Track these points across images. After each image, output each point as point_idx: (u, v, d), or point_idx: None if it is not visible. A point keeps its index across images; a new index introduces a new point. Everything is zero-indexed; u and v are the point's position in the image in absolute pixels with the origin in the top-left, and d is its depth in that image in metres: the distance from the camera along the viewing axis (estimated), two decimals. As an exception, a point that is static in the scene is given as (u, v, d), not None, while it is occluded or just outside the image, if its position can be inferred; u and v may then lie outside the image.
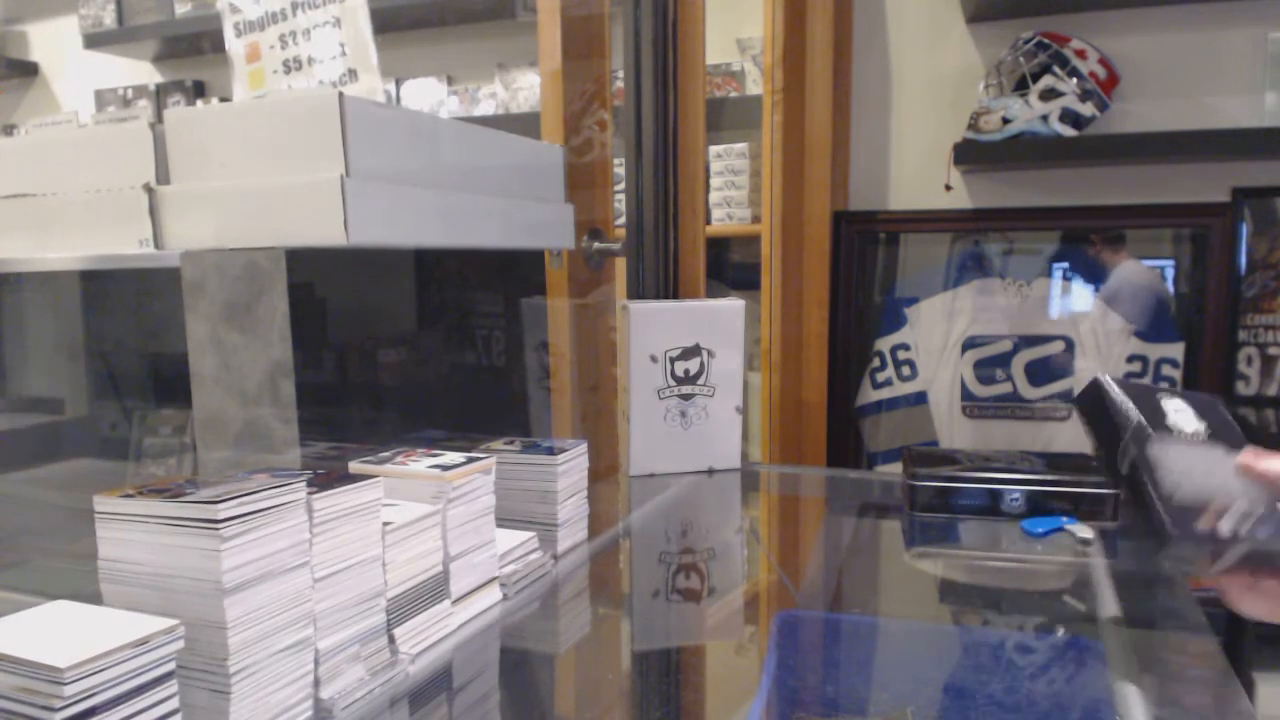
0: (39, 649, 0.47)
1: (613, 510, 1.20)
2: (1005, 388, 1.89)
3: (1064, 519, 1.02)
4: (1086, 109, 1.71)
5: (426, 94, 2.57)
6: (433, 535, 0.74)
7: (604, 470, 1.36)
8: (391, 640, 0.69)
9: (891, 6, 1.94)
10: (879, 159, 1.99)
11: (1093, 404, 0.97)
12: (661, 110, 1.44)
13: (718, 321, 1.30)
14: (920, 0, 1.92)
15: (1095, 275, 1.85)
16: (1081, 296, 1.86)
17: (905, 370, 1.96)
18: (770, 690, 0.69)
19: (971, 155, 1.77)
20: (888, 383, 1.97)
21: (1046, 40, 1.72)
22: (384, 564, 0.68)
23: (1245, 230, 1.74)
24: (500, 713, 0.68)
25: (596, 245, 1.43)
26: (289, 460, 0.80)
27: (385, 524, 0.68)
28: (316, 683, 0.62)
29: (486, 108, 2.51)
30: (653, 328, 1.28)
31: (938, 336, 1.94)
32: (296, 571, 0.60)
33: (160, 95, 2.90)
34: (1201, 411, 0.78)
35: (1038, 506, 1.04)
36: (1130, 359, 1.80)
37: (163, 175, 0.85)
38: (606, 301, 1.49)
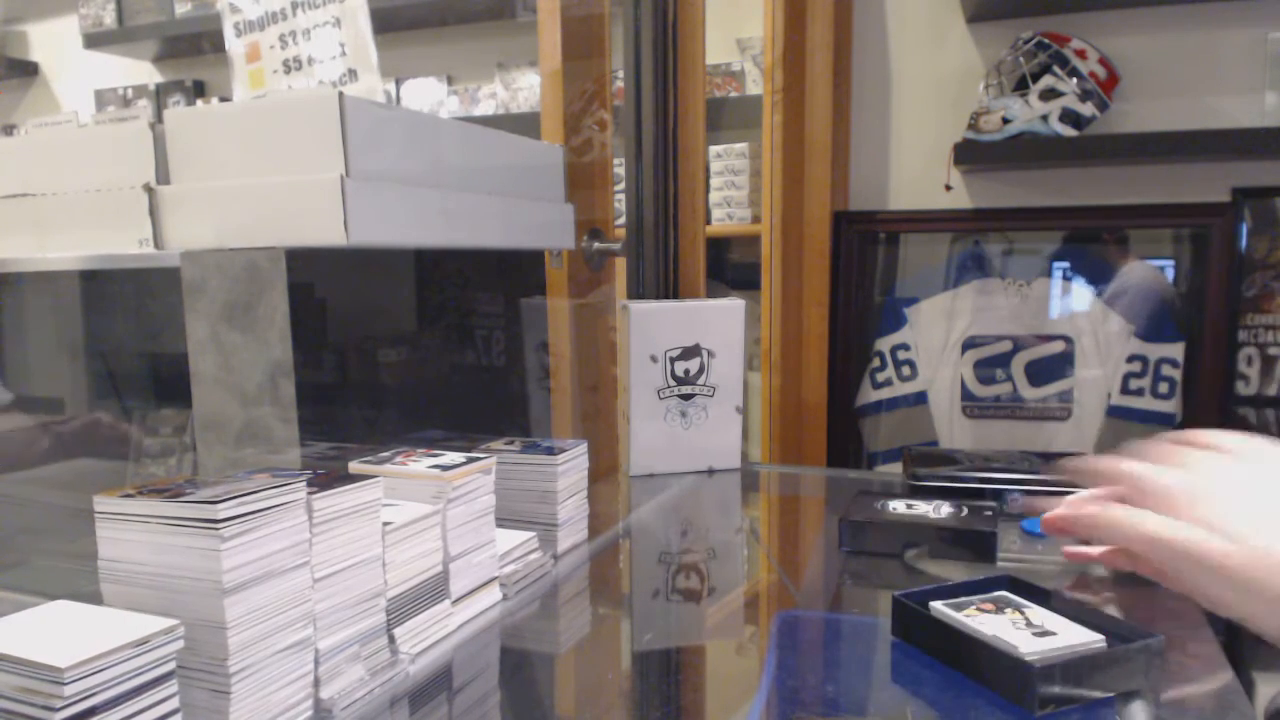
0: (39, 649, 0.47)
1: (613, 510, 1.20)
2: (1005, 388, 1.89)
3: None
4: (1086, 109, 1.71)
5: (426, 94, 2.57)
6: (433, 535, 0.74)
7: (604, 470, 1.36)
8: (391, 640, 0.69)
9: (891, 6, 1.94)
10: (879, 159, 1.98)
11: None
12: (661, 110, 1.44)
13: (718, 321, 1.30)
14: (920, 0, 1.92)
15: (1095, 275, 1.85)
16: (1081, 296, 1.86)
17: (905, 370, 1.96)
18: (770, 690, 0.69)
19: (971, 155, 1.77)
20: (888, 383, 1.97)
21: (1046, 40, 1.72)
22: (384, 564, 0.68)
23: (1245, 230, 1.74)
24: (500, 713, 0.68)
25: (596, 245, 1.43)
26: (289, 460, 0.80)
27: (385, 524, 0.68)
28: (316, 683, 0.62)
29: (486, 108, 2.51)
30: (653, 328, 1.28)
31: (938, 336, 1.93)
32: (296, 571, 0.60)
33: (160, 95, 2.90)
34: None
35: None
36: (1130, 359, 1.80)
37: (163, 175, 0.85)
38: (606, 301, 1.49)
